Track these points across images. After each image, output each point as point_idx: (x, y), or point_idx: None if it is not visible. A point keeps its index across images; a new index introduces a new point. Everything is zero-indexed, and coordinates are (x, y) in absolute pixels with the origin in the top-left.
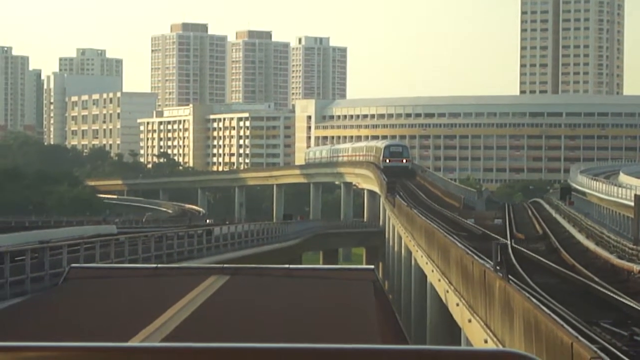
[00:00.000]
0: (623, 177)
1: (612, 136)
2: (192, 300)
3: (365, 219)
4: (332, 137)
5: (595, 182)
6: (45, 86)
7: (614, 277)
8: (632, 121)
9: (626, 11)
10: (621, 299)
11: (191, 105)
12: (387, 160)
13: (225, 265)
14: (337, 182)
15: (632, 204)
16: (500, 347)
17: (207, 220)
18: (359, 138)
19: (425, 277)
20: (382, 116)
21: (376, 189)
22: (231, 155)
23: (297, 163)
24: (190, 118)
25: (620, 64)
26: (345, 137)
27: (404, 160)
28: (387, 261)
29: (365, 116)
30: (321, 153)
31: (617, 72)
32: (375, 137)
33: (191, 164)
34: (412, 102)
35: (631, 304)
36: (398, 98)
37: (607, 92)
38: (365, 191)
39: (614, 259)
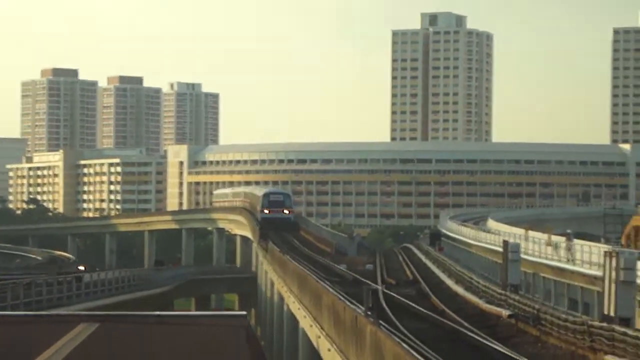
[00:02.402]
0: (491, 223)
1: (481, 182)
2: (60, 349)
3: (238, 265)
4: (205, 183)
5: (464, 227)
6: None
7: (483, 322)
8: (501, 167)
9: (495, 59)
10: (490, 344)
11: (61, 150)
12: (267, 211)
13: (94, 313)
14: (209, 228)
15: (501, 249)
16: None
17: (80, 267)
18: (231, 184)
19: (298, 322)
20: (255, 162)
21: (249, 235)
22: (102, 201)
23: (169, 209)
24: (61, 164)
25: (489, 111)
26: (218, 182)
27: (286, 211)
28: (259, 307)
29: (238, 162)
30: (227, 197)
31: (485, 120)
32: (248, 183)
33: (61, 210)
34: (284, 147)
35: (500, 349)
36: (271, 144)
37: (476, 139)
38: (238, 237)
39: (482, 304)
